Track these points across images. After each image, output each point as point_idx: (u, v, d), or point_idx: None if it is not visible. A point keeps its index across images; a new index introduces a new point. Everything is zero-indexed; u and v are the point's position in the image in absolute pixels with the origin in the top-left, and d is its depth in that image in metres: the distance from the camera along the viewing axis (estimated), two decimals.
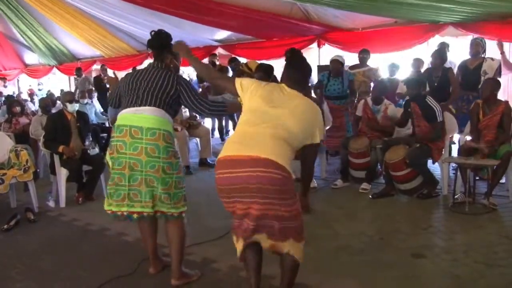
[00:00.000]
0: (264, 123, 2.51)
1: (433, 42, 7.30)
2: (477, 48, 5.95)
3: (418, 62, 6.85)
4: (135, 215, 3.01)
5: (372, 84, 7.01)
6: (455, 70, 6.20)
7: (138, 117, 2.95)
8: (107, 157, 3.07)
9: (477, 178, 5.03)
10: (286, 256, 2.59)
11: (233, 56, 9.34)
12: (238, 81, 2.76)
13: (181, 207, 3.05)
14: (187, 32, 9.20)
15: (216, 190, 2.58)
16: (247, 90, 2.70)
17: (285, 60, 2.86)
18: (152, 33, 3.18)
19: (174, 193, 2.99)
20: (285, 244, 2.54)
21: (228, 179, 2.46)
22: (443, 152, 5.15)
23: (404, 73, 7.09)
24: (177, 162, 3.02)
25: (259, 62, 7.61)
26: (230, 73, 8.72)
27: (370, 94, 6.09)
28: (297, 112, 2.57)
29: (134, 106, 2.99)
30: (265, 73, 4.66)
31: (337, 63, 6.49)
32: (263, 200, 2.42)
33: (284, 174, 2.39)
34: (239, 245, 2.65)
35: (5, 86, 14.76)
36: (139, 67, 10.97)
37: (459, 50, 7.43)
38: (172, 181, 2.96)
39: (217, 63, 9.19)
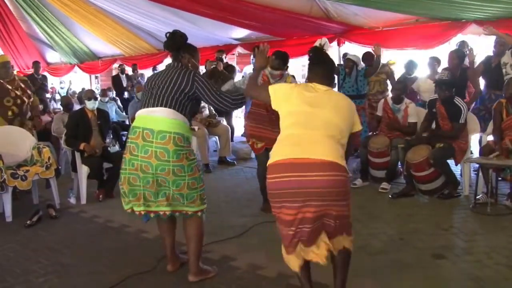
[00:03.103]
0: (313, 125, 2.51)
1: (455, 41, 7.18)
2: (502, 47, 5.81)
3: (434, 61, 6.72)
4: (151, 214, 3.07)
5: (388, 82, 7.00)
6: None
7: (151, 118, 2.98)
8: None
9: (500, 178, 4.94)
10: (340, 252, 2.60)
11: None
12: (271, 88, 2.76)
13: (196, 207, 3.06)
14: (206, 30, 9.25)
15: (268, 195, 2.58)
16: (280, 93, 2.70)
17: (309, 59, 2.86)
18: (167, 34, 3.18)
19: (188, 193, 3.00)
20: (340, 239, 2.56)
21: (285, 183, 2.43)
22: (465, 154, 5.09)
23: (423, 71, 6.98)
24: (191, 163, 2.99)
25: None
26: (237, 73, 8.73)
27: (390, 92, 6.01)
28: (339, 108, 2.59)
29: (148, 106, 3.03)
30: (282, 60, 4.62)
31: (348, 61, 6.47)
32: (321, 203, 2.42)
33: (346, 175, 2.46)
34: (293, 261, 2.58)
35: None
36: (159, 66, 11.15)
37: (481, 49, 7.28)
38: (184, 183, 2.97)
39: (225, 60, 9.16)
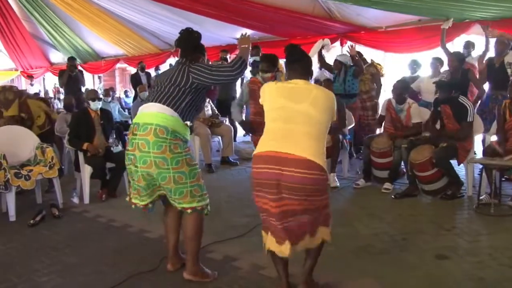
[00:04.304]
0: (293, 120, 2.63)
1: (458, 41, 7.16)
2: (501, 46, 5.79)
3: (437, 62, 6.70)
4: (142, 208, 3.18)
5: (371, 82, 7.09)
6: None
7: (142, 114, 3.04)
8: None
9: (503, 179, 4.93)
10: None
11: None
12: (262, 87, 2.93)
13: (186, 203, 3.02)
14: (209, 30, 9.23)
15: (252, 184, 2.73)
16: (267, 90, 2.85)
17: (286, 57, 2.96)
18: (182, 32, 3.17)
19: (175, 188, 2.96)
20: (317, 231, 2.69)
21: (264, 174, 2.59)
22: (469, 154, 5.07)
23: (425, 71, 6.96)
24: (176, 157, 2.92)
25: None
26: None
27: (392, 92, 5.95)
28: (319, 103, 2.66)
29: (147, 103, 3.10)
30: (270, 62, 4.60)
31: (336, 62, 6.52)
32: (296, 197, 2.54)
33: (321, 173, 2.55)
34: (269, 242, 2.73)
35: (31, 84, 15.05)
36: (162, 66, 11.15)
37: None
38: (169, 176, 2.92)
39: (229, 60, 9.15)
